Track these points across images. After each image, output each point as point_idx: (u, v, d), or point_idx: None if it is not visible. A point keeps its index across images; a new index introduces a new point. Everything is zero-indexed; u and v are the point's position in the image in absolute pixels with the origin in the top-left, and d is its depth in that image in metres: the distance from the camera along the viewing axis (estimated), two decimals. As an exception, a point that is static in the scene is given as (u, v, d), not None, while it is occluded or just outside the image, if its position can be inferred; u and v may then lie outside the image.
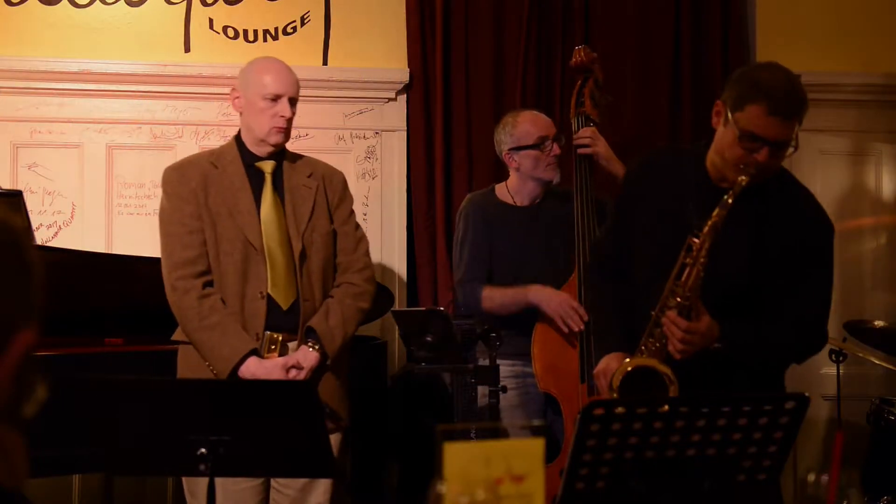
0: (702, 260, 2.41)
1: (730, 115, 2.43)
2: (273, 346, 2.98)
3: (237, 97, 3.11)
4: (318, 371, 3.01)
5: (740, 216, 2.46)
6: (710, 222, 2.40)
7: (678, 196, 2.57)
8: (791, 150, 2.47)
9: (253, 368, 2.92)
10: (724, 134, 2.47)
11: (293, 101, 3.08)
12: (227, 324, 2.94)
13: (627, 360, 2.52)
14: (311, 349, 2.99)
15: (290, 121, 3.07)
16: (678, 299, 2.44)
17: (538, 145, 3.61)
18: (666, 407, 1.98)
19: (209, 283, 3.00)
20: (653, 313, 2.49)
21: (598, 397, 2.73)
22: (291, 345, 3.02)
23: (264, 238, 3.00)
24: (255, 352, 2.94)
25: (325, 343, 3.00)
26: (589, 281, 2.92)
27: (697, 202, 2.50)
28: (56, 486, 4.14)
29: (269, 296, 2.99)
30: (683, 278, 2.43)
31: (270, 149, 3.08)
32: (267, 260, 2.99)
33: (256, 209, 3.03)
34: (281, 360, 2.96)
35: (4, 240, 0.98)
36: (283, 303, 3.00)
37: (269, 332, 2.98)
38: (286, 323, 3.01)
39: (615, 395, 2.47)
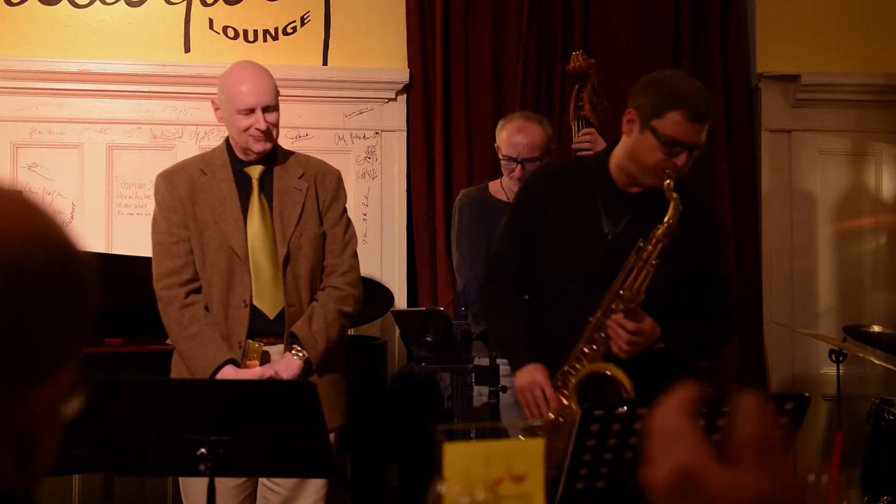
0: (653, 262, 2.47)
1: (648, 122, 2.51)
2: (254, 355, 2.97)
3: (217, 108, 3.08)
4: (304, 376, 3.00)
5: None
6: (665, 226, 2.46)
7: (586, 202, 2.63)
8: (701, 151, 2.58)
9: (230, 377, 2.91)
10: (639, 140, 2.54)
11: (270, 108, 3.01)
12: (206, 334, 2.94)
13: (583, 366, 2.52)
14: (294, 356, 2.98)
15: (269, 129, 3.00)
16: (629, 304, 2.49)
17: (505, 160, 3.63)
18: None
19: (195, 291, 3.00)
20: (591, 319, 2.52)
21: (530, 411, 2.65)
22: (276, 348, 3.02)
23: (250, 247, 2.99)
24: (232, 361, 2.93)
25: (308, 349, 2.97)
26: (486, 295, 2.83)
27: (607, 206, 2.57)
28: (56, 486, 4.14)
29: (252, 304, 2.98)
30: (631, 281, 2.49)
31: (256, 155, 3.06)
32: (252, 270, 2.98)
33: (243, 216, 3.01)
34: (258, 369, 2.94)
35: (72, 277, 0.92)
36: (270, 312, 2.99)
37: (250, 341, 2.98)
38: (272, 329, 3.01)
39: (573, 403, 2.48)
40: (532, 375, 2.57)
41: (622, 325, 2.48)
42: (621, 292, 2.50)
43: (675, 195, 2.46)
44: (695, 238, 2.63)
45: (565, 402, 2.52)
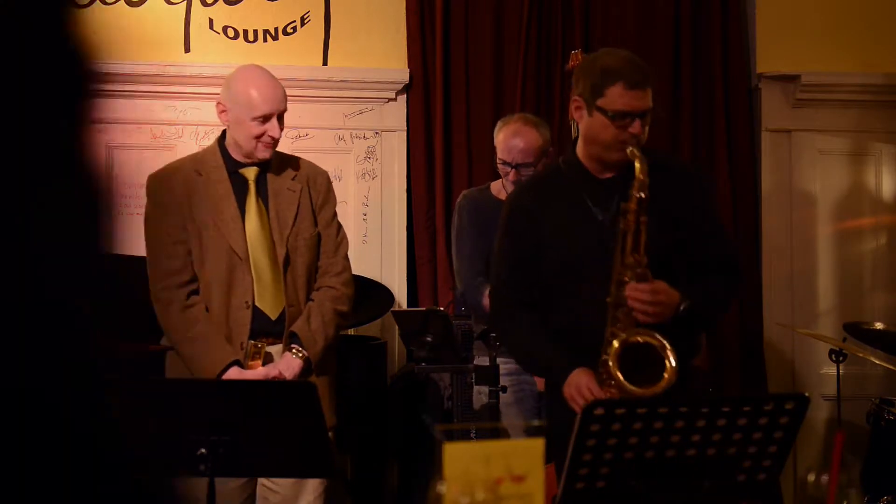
0: (643, 218, 2.52)
1: (593, 104, 2.61)
2: (256, 355, 2.98)
3: (223, 111, 3.04)
4: (304, 375, 3.01)
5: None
6: (636, 181, 2.52)
7: (572, 198, 2.67)
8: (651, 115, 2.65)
9: (235, 379, 2.91)
10: (591, 123, 2.64)
11: (282, 116, 3.04)
12: (209, 335, 2.95)
13: (616, 341, 2.51)
14: (294, 356, 2.98)
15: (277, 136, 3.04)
16: (636, 269, 2.52)
17: (501, 163, 3.63)
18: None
19: (194, 292, 3.00)
20: (608, 300, 2.54)
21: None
22: (275, 348, 3.02)
23: (250, 248, 2.99)
24: (237, 362, 2.94)
25: (307, 347, 2.98)
26: (501, 323, 2.85)
27: (593, 196, 2.63)
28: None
29: (254, 305, 2.98)
30: (630, 246, 2.52)
31: (257, 160, 3.06)
32: (252, 270, 2.99)
33: (241, 217, 3.01)
34: (263, 370, 2.95)
35: None
36: (272, 313, 3.00)
37: (251, 342, 2.98)
38: (274, 329, 3.01)
39: (618, 373, 2.48)
40: (576, 381, 2.54)
41: (638, 289, 2.51)
42: (626, 260, 2.53)
43: (637, 154, 2.54)
44: (675, 200, 2.67)
45: (613, 391, 2.49)
